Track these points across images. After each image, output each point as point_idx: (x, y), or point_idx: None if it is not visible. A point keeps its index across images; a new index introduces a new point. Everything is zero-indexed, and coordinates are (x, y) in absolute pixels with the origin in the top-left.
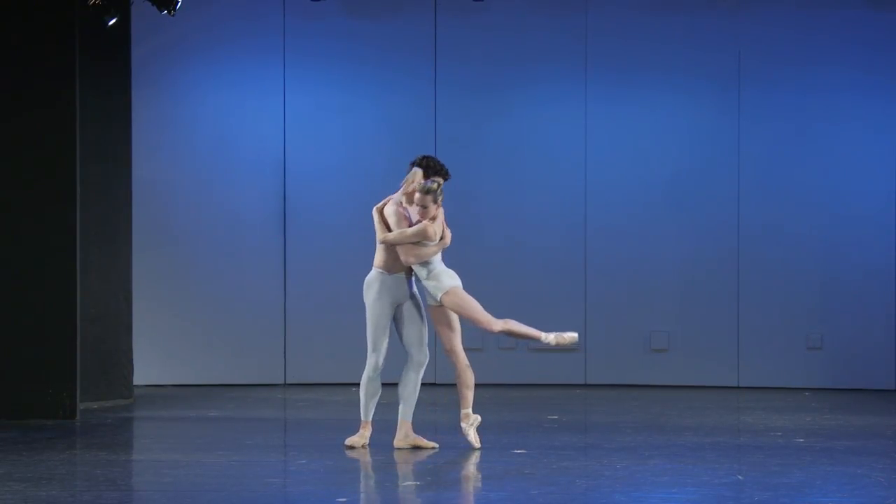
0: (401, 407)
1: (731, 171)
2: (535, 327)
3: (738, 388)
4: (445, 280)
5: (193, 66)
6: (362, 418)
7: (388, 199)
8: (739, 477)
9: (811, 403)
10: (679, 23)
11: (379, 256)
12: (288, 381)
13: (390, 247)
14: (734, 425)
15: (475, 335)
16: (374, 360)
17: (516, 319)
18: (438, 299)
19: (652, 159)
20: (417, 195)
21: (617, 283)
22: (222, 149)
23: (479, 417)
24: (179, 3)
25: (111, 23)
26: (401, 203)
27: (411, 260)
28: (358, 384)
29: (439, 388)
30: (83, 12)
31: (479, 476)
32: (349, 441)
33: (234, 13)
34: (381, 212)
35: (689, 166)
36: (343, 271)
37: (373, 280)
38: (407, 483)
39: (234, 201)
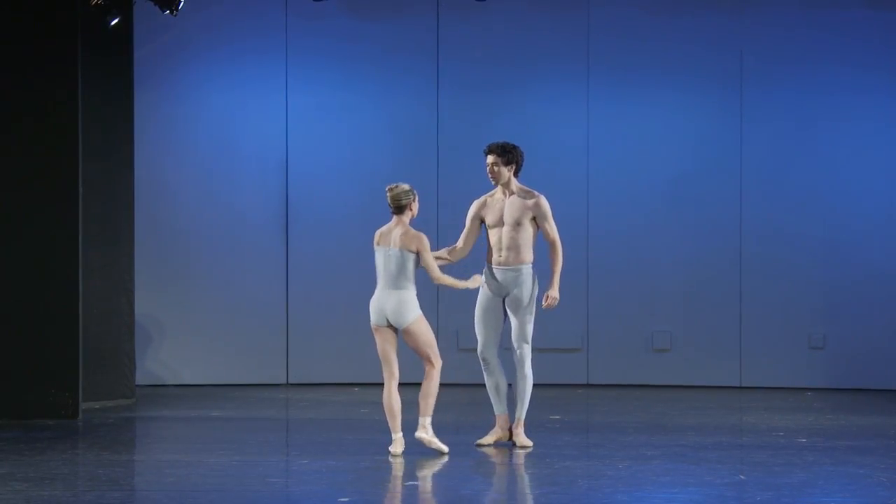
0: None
1: (733, 170)
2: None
3: (741, 387)
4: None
5: (195, 66)
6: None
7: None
8: (742, 477)
9: (813, 403)
10: (681, 22)
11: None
12: (290, 381)
13: None
14: (736, 425)
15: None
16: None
17: None
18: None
19: (654, 158)
20: None
21: (619, 283)
22: (224, 149)
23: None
24: (182, 4)
25: (113, 23)
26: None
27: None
28: (359, 384)
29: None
30: (85, 12)
31: (481, 476)
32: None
33: (236, 13)
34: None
35: (690, 166)
36: (345, 271)
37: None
38: (408, 483)
39: (237, 201)
